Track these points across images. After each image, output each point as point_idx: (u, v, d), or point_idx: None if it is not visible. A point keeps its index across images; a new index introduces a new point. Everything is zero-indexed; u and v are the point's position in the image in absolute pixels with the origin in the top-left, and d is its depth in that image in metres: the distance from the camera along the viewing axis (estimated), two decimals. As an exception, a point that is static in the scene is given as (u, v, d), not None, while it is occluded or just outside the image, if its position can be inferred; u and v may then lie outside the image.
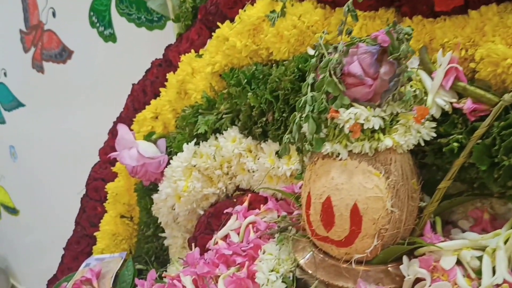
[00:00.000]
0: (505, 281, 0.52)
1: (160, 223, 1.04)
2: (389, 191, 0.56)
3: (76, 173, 1.91)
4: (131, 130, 1.07)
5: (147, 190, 1.07)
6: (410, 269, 0.57)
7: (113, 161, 1.22)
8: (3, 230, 2.74)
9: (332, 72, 0.57)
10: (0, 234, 2.77)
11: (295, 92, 0.76)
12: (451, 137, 0.59)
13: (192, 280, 0.76)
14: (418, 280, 0.57)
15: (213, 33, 0.92)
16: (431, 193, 0.62)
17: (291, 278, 0.66)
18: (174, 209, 0.96)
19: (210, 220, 0.89)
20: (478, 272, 0.55)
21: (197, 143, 0.93)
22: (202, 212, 0.94)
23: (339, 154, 0.58)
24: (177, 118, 1.02)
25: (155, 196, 1.01)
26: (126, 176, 1.16)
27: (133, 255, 1.14)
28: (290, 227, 0.73)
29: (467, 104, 0.58)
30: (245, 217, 0.80)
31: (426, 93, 0.61)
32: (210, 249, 0.80)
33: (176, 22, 1.10)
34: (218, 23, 0.91)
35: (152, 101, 1.10)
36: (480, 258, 0.56)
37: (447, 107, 0.59)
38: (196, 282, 0.75)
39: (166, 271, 0.97)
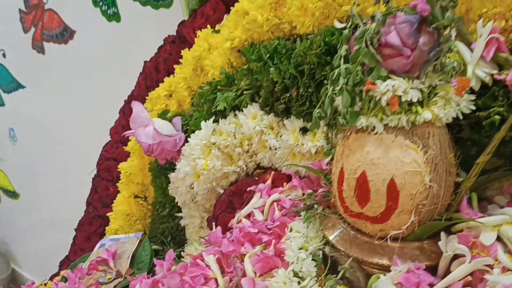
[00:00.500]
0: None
1: (177, 202, 1.03)
2: (427, 165, 0.55)
3: (78, 156, 1.90)
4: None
5: (162, 169, 1.05)
6: (449, 245, 0.55)
7: (125, 141, 1.20)
8: (3, 214, 2.73)
9: (368, 42, 0.55)
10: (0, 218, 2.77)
11: (321, 67, 0.74)
12: (491, 110, 0.57)
13: (215, 259, 0.74)
14: (455, 257, 0.56)
15: (231, 8, 0.90)
16: (465, 169, 0.60)
17: (320, 256, 0.64)
18: (192, 188, 0.95)
19: (232, 199, 0.88)
20: (520, 248, 0.54)
21: (215, 121, 0.91)
22: (221, 191, 0.92)
23: (374, 128, 0.56)
24: (193, 95, 1.00)
25: (172, 175, 0.99)
26: (140, 155, 1.14)
27: (148, 236, 1.12)
28: (316, 205, 0.71)
29: (509, 76, 0.55)
30: (269, 195, 0.78)
31: (463, 65, 0.59)
32: (232, 228, 0.79)
33: (188, -1, 1.07)
34: (236, -3, 0.88)
35: (166, 79, 1.07)
36: (521, 234, 0.54)
37: (488, 79, 0.57)
38: (220, 261, 0.74)
39: (183, 251, 0.96)
